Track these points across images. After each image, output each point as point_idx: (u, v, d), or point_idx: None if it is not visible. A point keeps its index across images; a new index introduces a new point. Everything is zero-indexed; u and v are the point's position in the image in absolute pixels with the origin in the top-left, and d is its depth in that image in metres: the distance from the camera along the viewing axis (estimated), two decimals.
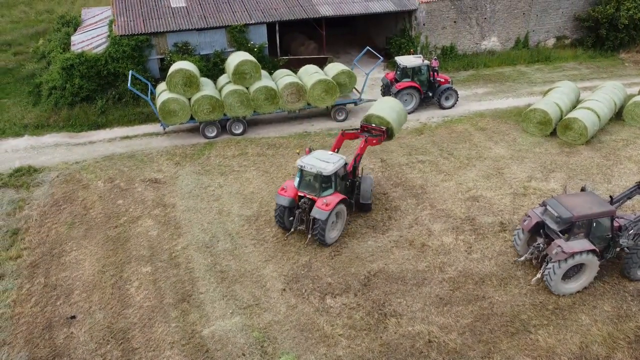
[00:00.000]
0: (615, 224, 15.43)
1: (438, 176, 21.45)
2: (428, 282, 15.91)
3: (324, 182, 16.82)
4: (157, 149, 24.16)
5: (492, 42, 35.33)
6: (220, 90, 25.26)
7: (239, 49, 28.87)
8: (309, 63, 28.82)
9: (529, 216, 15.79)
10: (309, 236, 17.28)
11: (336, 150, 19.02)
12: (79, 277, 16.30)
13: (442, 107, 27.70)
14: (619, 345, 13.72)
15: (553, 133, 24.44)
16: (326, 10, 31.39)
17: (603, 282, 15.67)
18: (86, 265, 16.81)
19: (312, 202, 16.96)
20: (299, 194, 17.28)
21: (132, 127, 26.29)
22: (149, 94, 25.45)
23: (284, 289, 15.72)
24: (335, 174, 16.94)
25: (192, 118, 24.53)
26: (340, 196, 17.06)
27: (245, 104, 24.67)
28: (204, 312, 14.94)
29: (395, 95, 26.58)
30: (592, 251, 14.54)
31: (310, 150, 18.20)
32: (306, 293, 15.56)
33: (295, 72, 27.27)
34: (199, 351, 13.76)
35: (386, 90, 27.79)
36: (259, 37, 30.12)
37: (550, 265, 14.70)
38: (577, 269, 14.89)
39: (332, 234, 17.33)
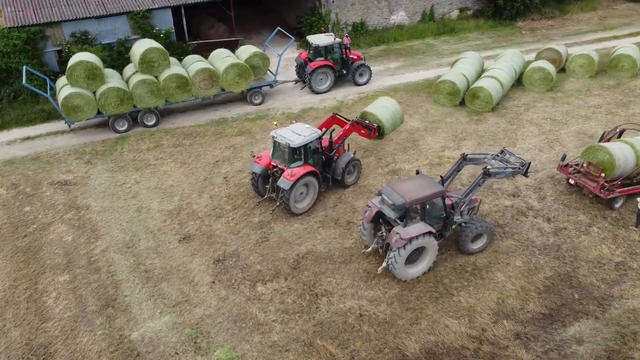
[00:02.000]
0: (449, 202, 15.75)
1: (357, 153, 21.82)
2: (355, 258, 16.30)
3: (292, 153, 17.41)
4: (63, 148, 22.65)
5: (400, 17, 36.16)
6: (127, 81, 24.01)
7: (144, 36, 27.53)
8: (220, 46, 28.06)
9: (369, 206, 15.47)
10: (277, 204, 18.03)
11: (322, 129, 19.21)
12: None
13: (357, 84, 28.11)
14: (531, 296, 14.86)
15: (462, 102, 25.62)
16: None
17: (514, 240, 16.85)
18: None
19: (282, 172, 17.62)
20: (272, 163, 17.97)
21: (33, 126, 24.44)
22: (48, 89, 23.69)
23: (213, 282, 15.49)
24: (305, 146, 17.48)
25: (99, 112, 23.16)
26: (309, 168, 17.61)
27: (156, 94, 23.65)
28: (131, 315, 14.40)
29: (310, 74, 26.61)
30: (429, 233, 14.69)
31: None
32: (236, 283, 15.44)
33: (206, 57, 26.46)
34: (129, 356, 13.29)
35: (300, 70, 27.74)
36: (165, 22, 28.85)
37: (392, 253, 14.66)
38: (419, 252, 15.05)
39: (300, 205, 18.08)
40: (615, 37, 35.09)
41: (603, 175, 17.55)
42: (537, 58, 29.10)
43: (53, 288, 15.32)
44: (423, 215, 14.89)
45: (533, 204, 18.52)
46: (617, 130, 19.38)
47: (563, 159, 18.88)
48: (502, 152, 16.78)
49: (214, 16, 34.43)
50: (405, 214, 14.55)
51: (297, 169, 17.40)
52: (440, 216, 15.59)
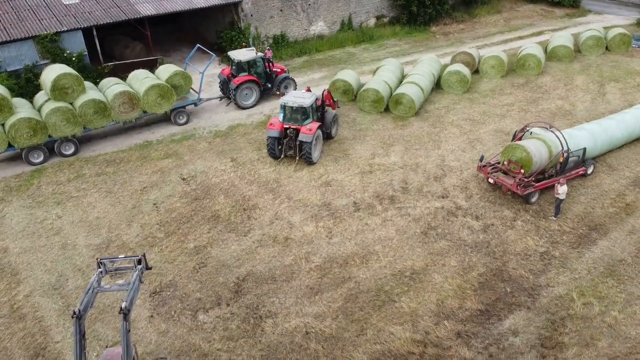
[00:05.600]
0: None
1: (290, 167, 21.83)
2: (297, 275, 16.25)
3: (304, 113, 21.26)
4: None
5: (319, 27, 36.63)
6: (39, 110, 22.60)
7: (54, 61, 26.07)
8: (138, 66, 27.10)
9: None
10: (297, 158, 21.49)
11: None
12: None
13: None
14: (467, 294, 15.48)
15: (387, 109, 26.32)
16: (147, 9, 29.68)
17: (447, 240, 17.48)
18: None
19: (297, 131, 21.16)
20: (285, 126, 21.36)
21: None
22: None
23: (151, 316, 14.86)
24: (311, 106, 21.45)
25: (10, 145, 21.61)
26: (318, 123, 21.58)
27: (73, 122, 22.39)
28: None
29: (235, 90, 26.31)
30: None
31: (283, 94, 23.38)
32: (176, 314, 14.90)
33: (124, 78, 25.45)
34: None
35: (225, 86, 27.36)
36: (76, 44, 27.46)
37: None
38: None
39: (315, 154, 21.54)
40: (520, 38, 37.51)
41: (522, 171, 18.64)
42: (453, 61, 30.50)
43: None
44: None
45: (461, 204, 19.33)
46: (527, 129, 20.59)
47: (481, 159, 19.90)
48: (100, 264, 11.84)
49: (128, 35, 33.22)
50: None
51: (312, 124, 21.09)
52: None
